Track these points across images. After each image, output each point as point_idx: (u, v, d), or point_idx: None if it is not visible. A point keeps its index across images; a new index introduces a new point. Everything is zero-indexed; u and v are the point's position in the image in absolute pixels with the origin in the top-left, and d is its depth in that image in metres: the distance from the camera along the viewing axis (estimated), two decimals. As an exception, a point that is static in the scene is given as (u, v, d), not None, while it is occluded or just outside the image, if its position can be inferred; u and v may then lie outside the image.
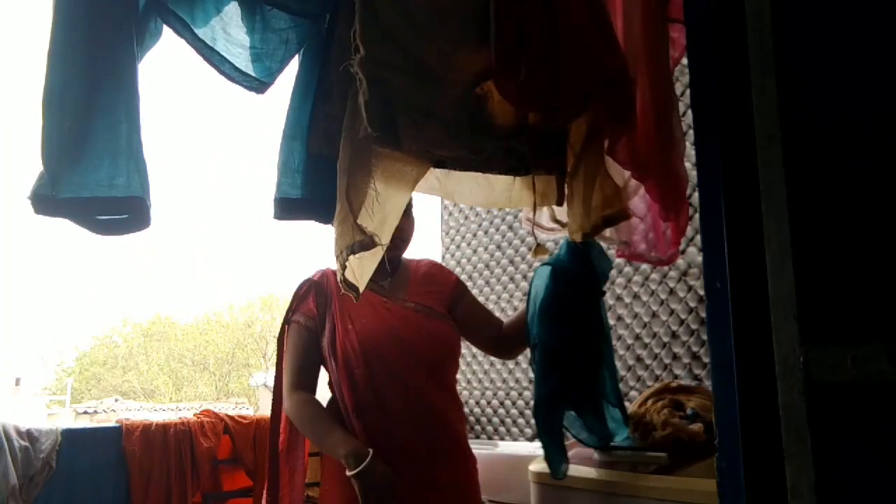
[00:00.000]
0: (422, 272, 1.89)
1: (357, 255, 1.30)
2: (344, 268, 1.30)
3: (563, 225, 1.65)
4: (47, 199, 1.15)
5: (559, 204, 1.60)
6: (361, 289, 1.36)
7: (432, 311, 1.82)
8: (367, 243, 1.27)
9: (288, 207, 1.42)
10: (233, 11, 1.35)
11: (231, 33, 1.35)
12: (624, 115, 1.41)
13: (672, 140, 1.50)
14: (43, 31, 1.19)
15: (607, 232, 1.58)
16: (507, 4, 1.33)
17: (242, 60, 1.36)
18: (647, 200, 1.59)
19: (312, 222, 1.45)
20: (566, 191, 1.55)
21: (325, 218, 1.43)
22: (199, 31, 1.31)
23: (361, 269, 1.37)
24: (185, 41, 1.30)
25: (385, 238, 1.34)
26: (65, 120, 1.16)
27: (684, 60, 1.43)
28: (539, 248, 1.62)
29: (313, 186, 1.42)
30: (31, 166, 1.18)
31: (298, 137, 1.42)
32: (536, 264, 3.04)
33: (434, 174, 1.53)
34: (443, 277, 1.91)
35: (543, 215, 1.69)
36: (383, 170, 1.35)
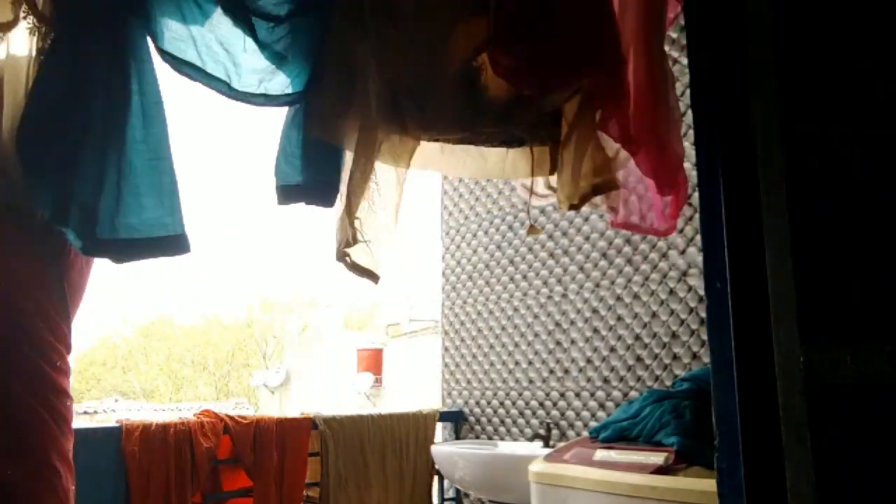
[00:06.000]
0: None
1: (368, 241, 1.33)
2: (346, 257, 1.31)
3: (555, 191, 1.65)
4: (91, 240, 1.19)
5: (552, 173, 1.61)
6: (379, 272, 1.36)
7: None
8: (352, 241, 1.30)
9: (289, 193, 1.44)
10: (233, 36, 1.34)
11: (240, 63, 1.34)
12: (616, 92, 1.42)
13: (667, 116, 1.51)
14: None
15: (597, 199, 1.58)
16: None
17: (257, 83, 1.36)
18: (639, 172, 1.60)
19: (314, 207, 1.46)
20: (558, 160, 1.56)
21: (326, 201, 1.44)
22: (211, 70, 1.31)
23: (372, 254, 1.37)
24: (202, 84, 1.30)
25: (387, 233, 1.34)
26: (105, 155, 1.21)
27: (684, 60, 1.43)
28: (532, 229, 1.66)
29: (312, 171, 1.44)
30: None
31: (297, 125, 1.43)
32: (537, 263, 3.05)
33: (429, 149, 1.53)
34: None
35: (538, 183, 1.70)
36: (386, 149, 1.36)
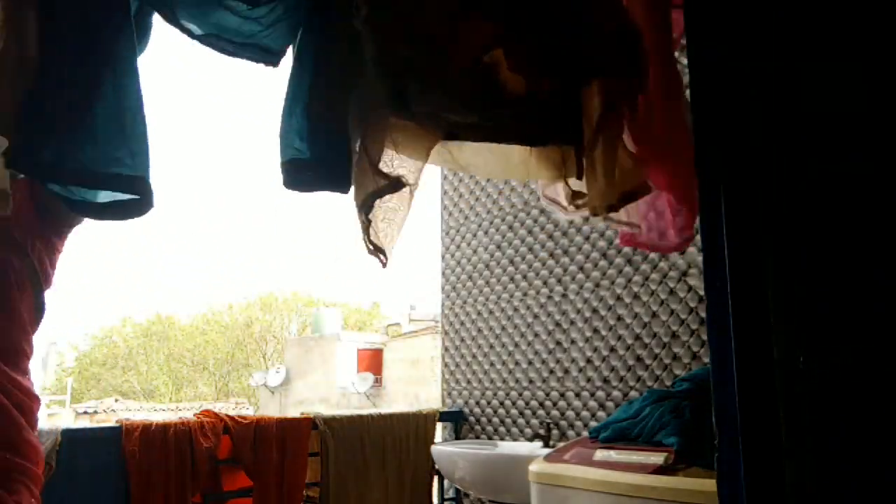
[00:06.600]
0: None
1: (383, 216, 1.26)
2: (368, 224, 1.24)
3: (577, 206, 1.60)
4: (49, 167, 1.17)
5: (579, 177, 1.51)
6: (389, 252, 1.30)
7: None
8: (394, 184, 1.23)
9: (297, 170, 1.37)
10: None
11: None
12: (638, 76, 1.36)
13: (683, 121, 1.47)
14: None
15: (621, 215, 1.54)
16: None
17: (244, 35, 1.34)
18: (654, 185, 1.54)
19: (326, 191, 1.39)
20: (584, 164, 1.48)
21: (335, 183, 1.38)
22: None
23: (388, 229, 1.31)
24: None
25: (413, 179, 1.27)
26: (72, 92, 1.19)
27: (684, 60, 1.43)
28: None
29: (319, 149, 1.37)
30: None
31: (299, 103, 1.38)
32: (537, 263, 3.04)
33: (447, 147, 1.46)
34: None
35: (560, 193, 1.63)
36: (396, 138, 1.30)
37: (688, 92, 0.99)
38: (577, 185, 1.58)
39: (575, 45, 1.32)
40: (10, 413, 1.36)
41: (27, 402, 1.39)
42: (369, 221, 1.25)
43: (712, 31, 0.91)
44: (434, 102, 1.28)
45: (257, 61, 1.37)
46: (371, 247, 1.27)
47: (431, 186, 3.69)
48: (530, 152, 1.53)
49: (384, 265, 1.30)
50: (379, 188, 1.23)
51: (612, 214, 1.52)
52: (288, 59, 1.44)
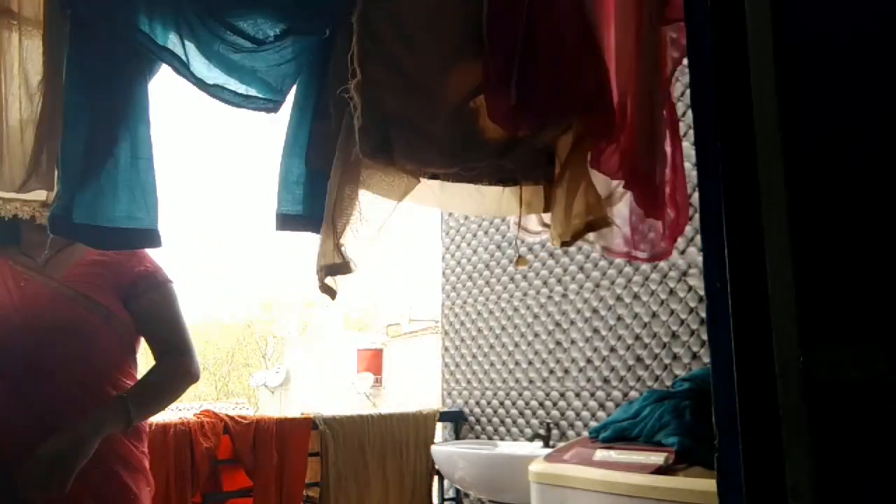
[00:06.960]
0: (94, 254, 1.59)
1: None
2: (323, 279, 1.37)
3: (549, 227, 1.70)
4: (63, 221, 1.26)
5: (545, 211, 1.66)
6: (337, 289, 1.42)
7: (84, 298, 1.55)
8: (343, 268, 1.35)
9: (289, 222, 1.49)
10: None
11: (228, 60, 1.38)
12: (605, 132, 1.47)
13: (654, 149, 1.55)
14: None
15: (590, 236, 1.63)
16: (496, 28, 1.36)
17: (244, 85, 1.40)
18: (630, 203, 1.64)
19: (313, 234, 1.49)
20: (552, 198, 1.60)
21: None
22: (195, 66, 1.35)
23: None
24: (185, 78, 1.36)
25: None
26: (88, 148, 1.29)
27: (685, 60, 1.43)
28: (520, 260, 1.76)
29: (313, 202, 1.47)
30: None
31: (297, 155, 1.48)
32: (537, 263, 3.04)
33: (428, 185, 1.58)
34: (123, 266, 1.62)
35: (532, 220, 1.75)
36: (373, 184, 1.40)
37: (688, 92, 0.99)
38: (547, 215, 1.68)
39: (549, 95, 1.41)
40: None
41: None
42: (323, 283, 1.39)
43: (711, 26, 0.91)
44: (419, 157, 1.37)
45: (258, 110, 1.44)
46: (324, 290, 1.40)
47: (431, 186, 3.70)
48: (503, 191, 1.65)
49: (332, 299, 1.42)
50: (333, 265, 1.36)
51: (589, 235, 1.63)
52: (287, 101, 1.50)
